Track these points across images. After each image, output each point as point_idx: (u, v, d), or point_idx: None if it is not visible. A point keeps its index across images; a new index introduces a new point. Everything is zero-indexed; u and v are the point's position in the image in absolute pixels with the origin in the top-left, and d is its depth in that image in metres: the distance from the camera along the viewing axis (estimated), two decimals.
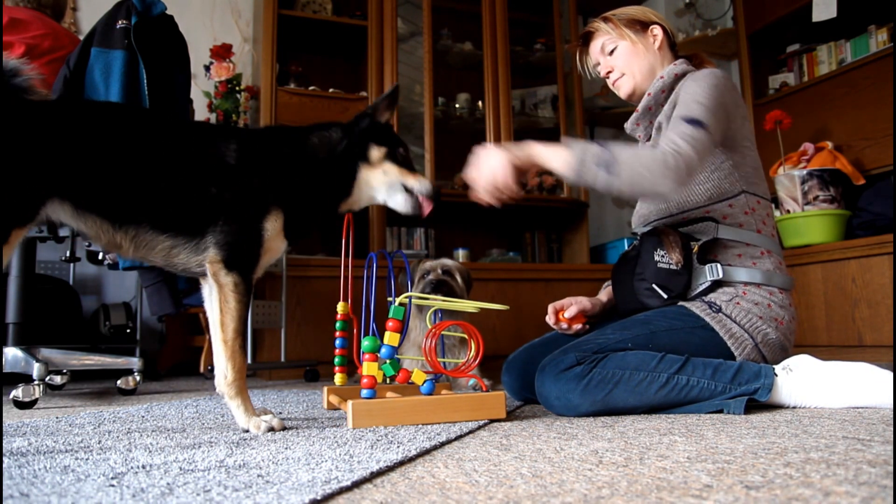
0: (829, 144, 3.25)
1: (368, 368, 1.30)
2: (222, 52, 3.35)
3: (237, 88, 3.34)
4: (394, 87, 1.42)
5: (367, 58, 3.47)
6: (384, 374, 1.37)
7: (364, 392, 1.29)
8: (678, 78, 1.58)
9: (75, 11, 3.50)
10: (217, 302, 1.24)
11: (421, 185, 1.36)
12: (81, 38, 2.10)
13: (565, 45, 3.72)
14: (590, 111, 4.12)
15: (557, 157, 1.34)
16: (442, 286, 2.13)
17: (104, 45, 1.94)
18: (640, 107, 1.64)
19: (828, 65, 3.46)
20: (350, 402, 1.23)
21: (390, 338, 1.29)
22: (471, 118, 3.74)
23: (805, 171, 3.14)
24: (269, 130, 1.41)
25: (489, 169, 1.36)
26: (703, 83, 1.47)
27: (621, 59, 1.65)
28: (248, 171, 1.25)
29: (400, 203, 1.38)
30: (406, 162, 1.39)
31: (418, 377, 1.33)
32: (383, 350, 1.30)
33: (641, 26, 1.65)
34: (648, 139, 1.67)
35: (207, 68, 3.37)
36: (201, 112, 3.36)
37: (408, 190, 1.36)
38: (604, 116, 4.25)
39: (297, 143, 1.35)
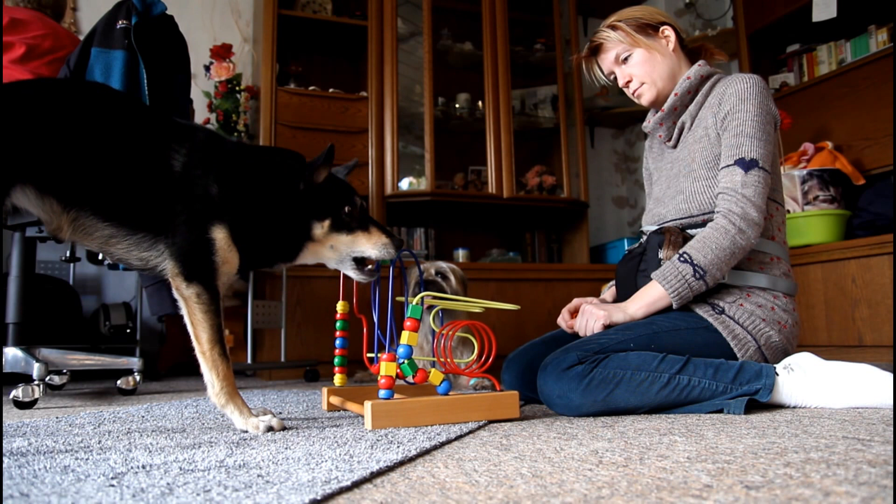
0: (829, 144, 3.25)
1: (386, 369, 1.29)
2: (222, 52, 3.35)
3: (237, 88, 3.34)
4: (328, 148, 1.26)
5: (367, 58, 3.47)
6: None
7: (382, 392, 1.28)
8: (704, 79, 1.60)
9: (75, 11, 3.50)
10: (186, 315, 1.21)
11: (375, 248, 1.30)
12: (81, 38, 2.10)
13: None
14: (590, 111, 4.12)
15: (658, 302, 1.46)
16: (430, 286, 2.13)
17: (104, 45, 1.94)
18: (665, 107, 1.63)
19: (828, 65, 3.46)
20: (368, 403, 1.23)
21: (408, 337, 1.29)
22: (471, 118, 3.74)
23: (805, 171, 3.14)
24: (235, 149, 1.30)
25: (589, 328, 1.51)
26: (749, 105, 1.48)
27: (639, 67, 1.62)
28: (194, 180, 1.20)
29: (352, 275, 1.33)
30: (358, 218, 1.30)
31: (436, 377, 1.32)
32: (401, 350, 1.28)
33: (652, 29, 1.62)
34: (669, 139, 1.68)
35: (207, 68, 3.37)
36: (201, 112, 3.36)
37: (357, 260, 1.31)
38: (604, 116, 4.25)
39: (257, 183, 1.26)
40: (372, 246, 1.30)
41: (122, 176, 1.17)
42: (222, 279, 1.24)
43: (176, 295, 1.22)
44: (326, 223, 1.28)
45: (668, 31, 1.63)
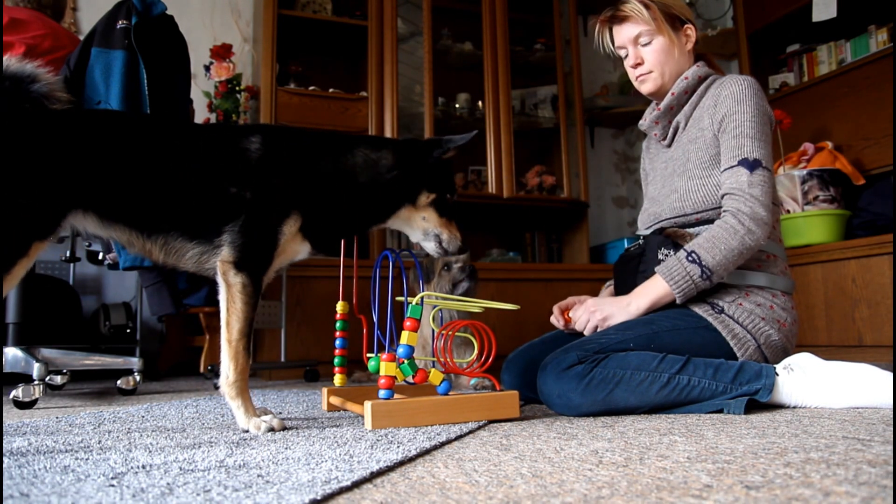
0: (829, 144, 3.25)
1: (386, 368, 1.29)
2: (222, 52, 3.35)
3: (237, 88, 3.34)
4: (472, 134, 1.38)
5: (367, 58, 3.47)
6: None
7: (382, 392, 1.28)
8: (701, 80, 1.60)
9: (75, 11, 3.50)
10: (224, 301, 1.23)
11: (450, 242, 1.40)
12: (81, 38, 2.10)
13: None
14: (590, 111, 4.11)
15: (663, 299, 1.45)
16: (474, 273, 2.15)
17: (104, 45, 1.94)
18: (661, 106, 1.63)
19: (828, 65, 3.46)
20: (368, 403, 1.23)
21: (408, 337, 1.29)
22: (471, 118, 3.74)
23: (805, 171, 3.14)
24: (307, 135, 1.36)
25: (582, 325, 1.52)
26: (746, 106, 1.48)
27: (655, 55, 1.59)
28: (270, 171, 1.23)
29: (430, 249, 1.42)
30: (448, 209, 1.40)
31: (436, 377, 1.32)
32: (400, 350, 1.28)
33: (679, 23, 1.61)
34: (664, 138, 1.67)
35: (207, 68, 3.37)
36: (201, 112, 3.36)
37: (438, 239, 1.40)
38: (604, 116, 4.25)
39: (337, 156, 1.31)
40: (448, 236, 1.40)
41: (198, 193, 1.20)
42: (271, 273, 1.27)
43: (219, 279, 1.23)
44: (433, 196, 1.36)
45: (691, 31, 1.62)
